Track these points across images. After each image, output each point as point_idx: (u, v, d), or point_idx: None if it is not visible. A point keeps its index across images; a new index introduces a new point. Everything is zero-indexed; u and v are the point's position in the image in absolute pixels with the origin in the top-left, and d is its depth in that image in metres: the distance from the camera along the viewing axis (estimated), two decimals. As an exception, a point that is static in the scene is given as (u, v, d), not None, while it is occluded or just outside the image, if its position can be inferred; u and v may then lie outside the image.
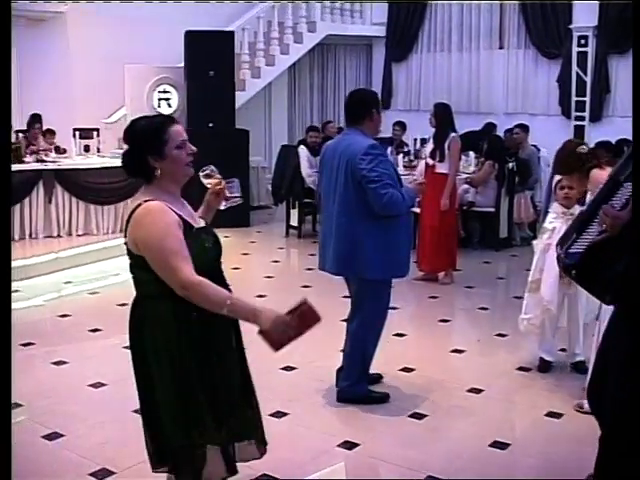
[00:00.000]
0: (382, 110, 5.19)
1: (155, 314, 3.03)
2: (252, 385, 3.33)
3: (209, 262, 3.10)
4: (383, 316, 5.08)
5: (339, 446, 4.39)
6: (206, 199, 3.35)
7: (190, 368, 3.02)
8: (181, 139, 3.05)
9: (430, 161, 8.00)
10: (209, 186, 3.32)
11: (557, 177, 5.59)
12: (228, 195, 3.32)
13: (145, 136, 3.05)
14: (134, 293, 3.13)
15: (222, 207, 3.38)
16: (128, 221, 3.05)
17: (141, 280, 3.07)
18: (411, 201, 4.89)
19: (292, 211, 11.02)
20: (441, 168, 7.90)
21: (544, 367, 5.64)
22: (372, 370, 5.18)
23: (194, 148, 3.12)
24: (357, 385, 5.04)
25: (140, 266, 3.02)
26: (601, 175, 4.76)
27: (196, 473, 3.09)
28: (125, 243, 3.08)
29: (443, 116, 8.04)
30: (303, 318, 2.94)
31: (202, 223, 3.22)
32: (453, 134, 8.01)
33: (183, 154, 3.06)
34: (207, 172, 3.31)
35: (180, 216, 3.01)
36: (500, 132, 11.20)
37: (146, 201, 3.00)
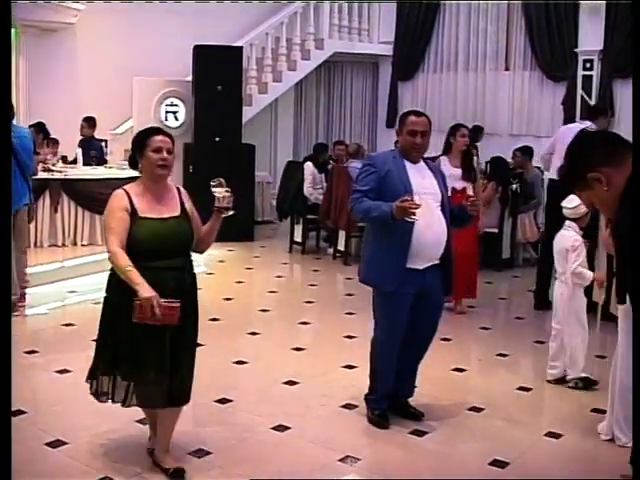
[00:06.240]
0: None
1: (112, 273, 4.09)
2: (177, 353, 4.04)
3: (153, 242, 3.94)
4: (384, 327, 4.88)
5: (340, 461, 4.42)
6: (215, 209, 4.13)
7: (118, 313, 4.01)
8: (157, 145, 4.01)
9: (462, 183, 7.68)
10: (216, 194, 4.09)
11: None
12: (226, 205, 4.10)
13: (136, 139, 4.15)
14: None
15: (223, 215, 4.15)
16: None
17: None
18: (381, 214, 4.66)
19: (296, 227, 11.09)
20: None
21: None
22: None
23: (166, 156, 4.00)
24: (368, 399, 5.07)
25: None
26: None
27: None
28: None
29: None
30: (165, 314, 3.77)
31: (168, 214, 4.03)
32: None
33: (155, 157, 4.00)
34: (216, 183, 4.08)
35: (132, 204, 3.96)
36: (502, 152, 11.15)
37: (119, 188, 4.07)
